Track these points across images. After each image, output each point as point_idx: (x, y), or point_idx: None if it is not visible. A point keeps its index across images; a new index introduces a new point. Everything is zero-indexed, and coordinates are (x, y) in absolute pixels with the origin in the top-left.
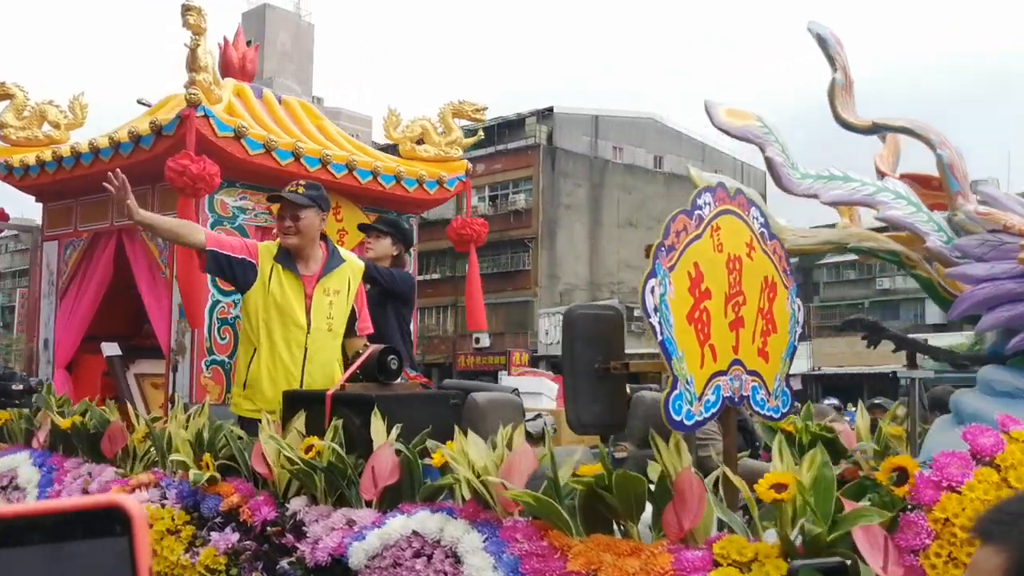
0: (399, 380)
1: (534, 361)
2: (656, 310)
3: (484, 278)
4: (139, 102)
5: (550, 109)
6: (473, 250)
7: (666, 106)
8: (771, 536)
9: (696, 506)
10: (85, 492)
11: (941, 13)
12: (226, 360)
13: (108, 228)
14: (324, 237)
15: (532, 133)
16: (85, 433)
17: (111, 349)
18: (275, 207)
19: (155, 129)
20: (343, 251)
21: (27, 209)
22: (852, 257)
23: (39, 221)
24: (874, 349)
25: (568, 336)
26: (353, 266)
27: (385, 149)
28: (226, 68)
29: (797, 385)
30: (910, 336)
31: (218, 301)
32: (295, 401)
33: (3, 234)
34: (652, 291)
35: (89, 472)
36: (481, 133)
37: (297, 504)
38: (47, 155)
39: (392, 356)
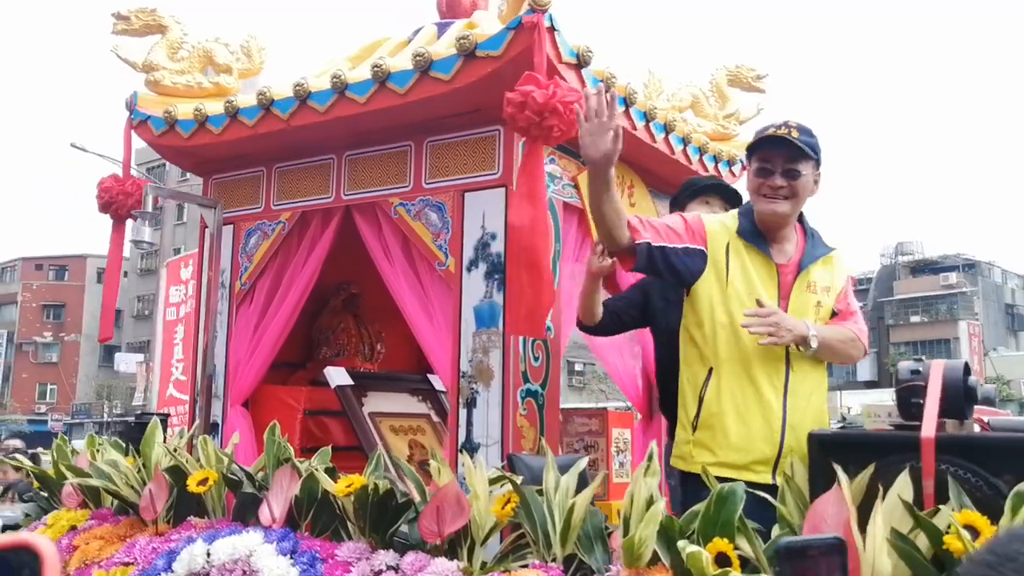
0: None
1: None
2: None
3: None
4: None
5: None
6: None
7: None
8: None
9: None
10: None
11: None
12: (539, 390)
13: (328, 205)
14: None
15: None
16: (380, 502)
17: (340, 377)
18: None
19: (466, 49)
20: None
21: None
22: None
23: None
24: None
25: None
26: (842, 257)
27: None
28: (449, 6)
29: None
30: None
31: None
32: (835, 448)
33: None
34: None
35: (392, 565)
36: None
37: None
38: (247, 100)
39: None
